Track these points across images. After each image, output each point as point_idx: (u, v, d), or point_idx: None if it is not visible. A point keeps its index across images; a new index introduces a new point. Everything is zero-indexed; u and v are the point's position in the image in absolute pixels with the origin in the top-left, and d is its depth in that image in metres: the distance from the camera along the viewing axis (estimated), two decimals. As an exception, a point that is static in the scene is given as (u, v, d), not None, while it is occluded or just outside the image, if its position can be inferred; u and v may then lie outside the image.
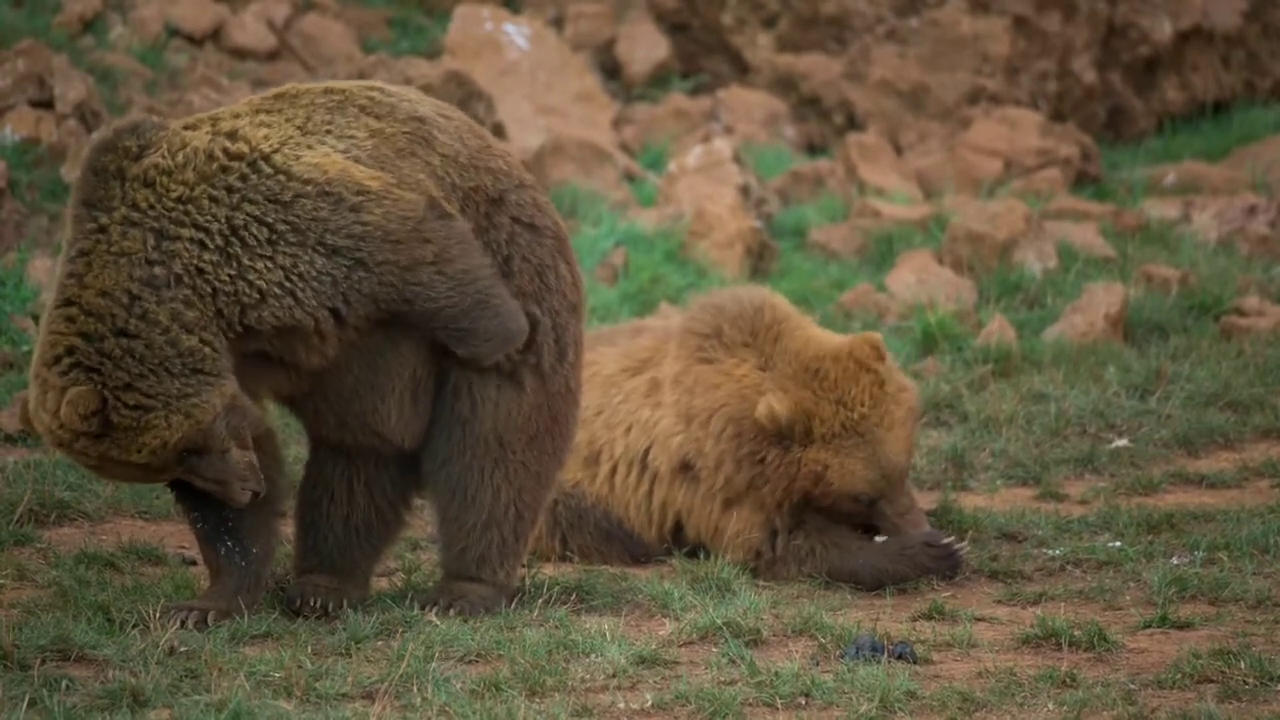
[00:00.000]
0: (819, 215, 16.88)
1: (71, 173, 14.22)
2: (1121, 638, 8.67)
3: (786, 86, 20.24)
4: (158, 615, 8.48)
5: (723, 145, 17.00)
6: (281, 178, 8.45)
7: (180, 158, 8.45)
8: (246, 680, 7.86)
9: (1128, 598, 9.42)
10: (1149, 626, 8.89)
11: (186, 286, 8.37)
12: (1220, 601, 9.26)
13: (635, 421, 10.21)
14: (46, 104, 14.77)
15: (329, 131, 8.60)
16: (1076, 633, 8.61)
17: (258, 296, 8.41)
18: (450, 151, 8.76)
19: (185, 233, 8.39)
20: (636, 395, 10.25)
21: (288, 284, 8.43)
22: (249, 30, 18.08)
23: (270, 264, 8.41)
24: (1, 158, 14.12)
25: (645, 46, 20.32)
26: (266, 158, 8.47)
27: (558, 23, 20.28)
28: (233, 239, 8.40)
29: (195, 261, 8.38)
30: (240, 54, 17.92)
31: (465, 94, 15.99)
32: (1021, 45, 20.14)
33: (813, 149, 19.91)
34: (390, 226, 8.49)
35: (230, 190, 8.43)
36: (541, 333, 8.89)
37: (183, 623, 8.49)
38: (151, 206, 8.40)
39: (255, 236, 8.41)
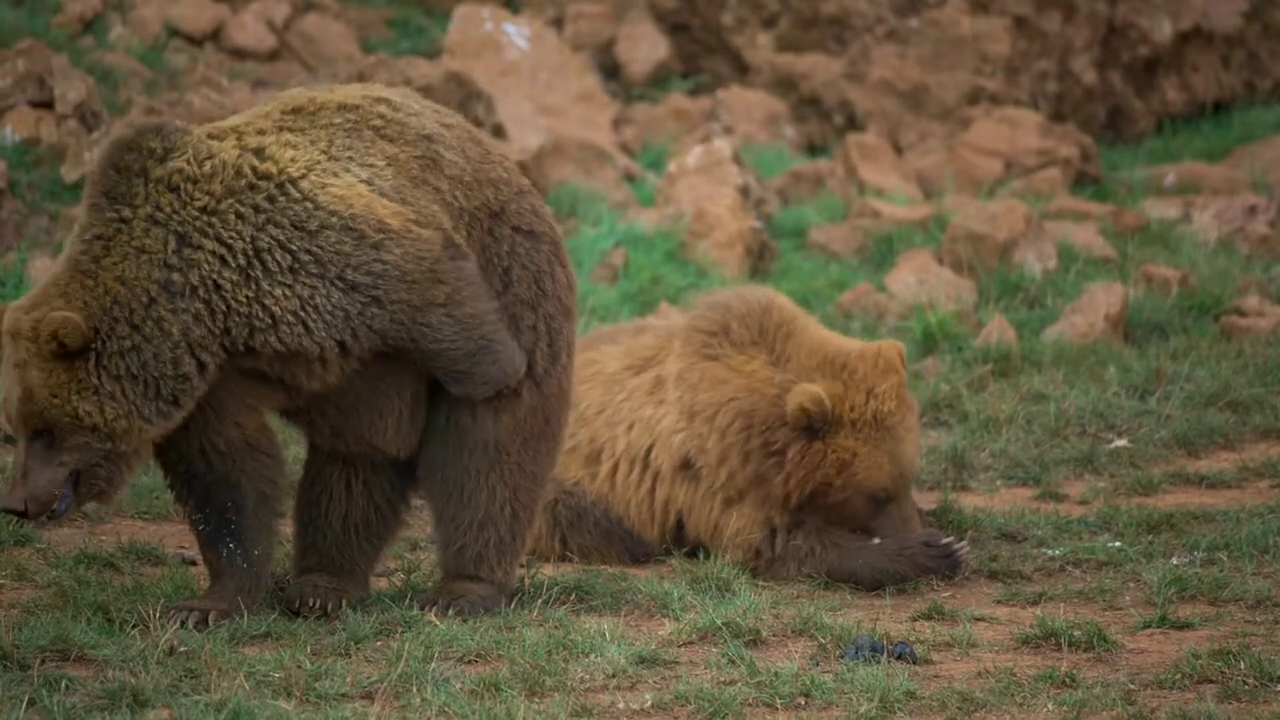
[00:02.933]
0: (819, 215, 16.87)
1: (71, 173, 14.22)
2: (1121, 638, 8.67)
3: (786, 86, 20.23)
4: (158, 615, 8.47)
5: (723, 145, 16.99)
6: (309, 205, 8.46)
7: (207, 167, 8.45)
8: (246, 680, 7.86)
9: (1128, 598, 9.42)
10: (1149, 626, 8.89)
11: (200, 300, 8.38)
12: (1220, 601, 9.26)
13: (637, 419, 10.20)
14: (46, 104, 14.77)
15: (351, 159, 8.61)
16: (1076, 633, 8.60)
17: (270, 321, 8.42)
18: (456, 171, 8.77)
19: (208, 244, 8.39)
20: (639, 393, 10.25)
21: (302, 313, 8.44)
22: (249, 30, 18.08)
23: (288, 291, 8.43)
24: (1, 158, 14.12)
25: (645, 46, 20.32)
26: (294, 182, 8.48)
27: (558, 23, 20.28)
28: (255, 261, 8.41)
29: (214, 276, 8.39)
30: (240, 54, 17.91)
31: (465, 94, 15.99)
32: (1021, 45, 20.14)
33: (813, 149, 19.91)
34: (408, 266, 8.51)
35: (257, 210, 8.43)
36: (537, 339, 8.91)
37: (183, 623, 8.49)
38: (175, 211, 8.41)
39: (278, 262, 8.42)
